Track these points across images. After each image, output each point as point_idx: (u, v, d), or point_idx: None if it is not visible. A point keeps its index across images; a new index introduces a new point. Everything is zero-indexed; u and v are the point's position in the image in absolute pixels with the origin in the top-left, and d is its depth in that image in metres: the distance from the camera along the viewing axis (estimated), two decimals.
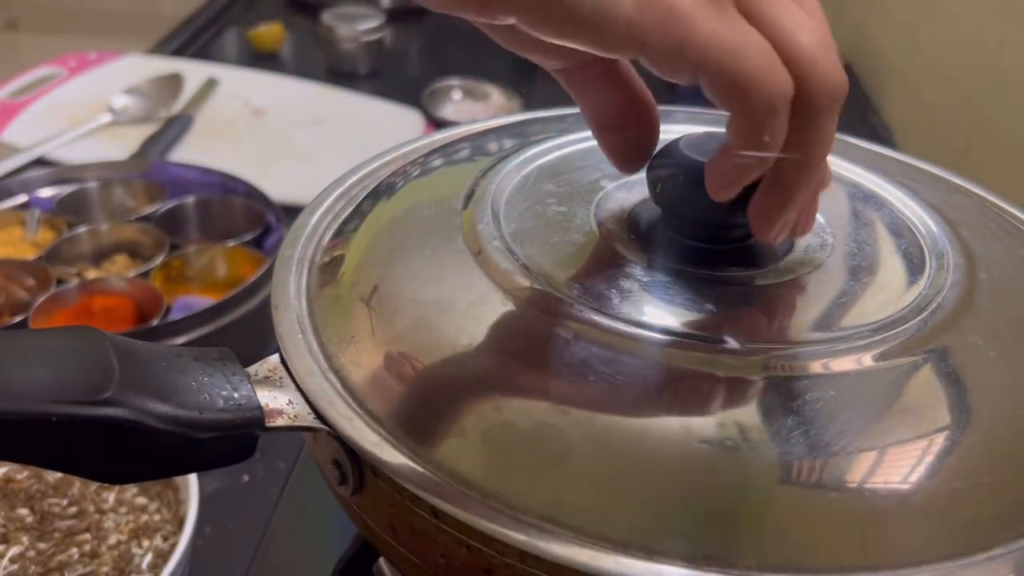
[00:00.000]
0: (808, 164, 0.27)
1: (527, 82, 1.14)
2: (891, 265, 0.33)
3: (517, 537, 0.26)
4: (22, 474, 0.50)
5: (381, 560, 0.45)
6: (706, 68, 0.25)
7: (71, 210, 0.74)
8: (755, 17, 0.25)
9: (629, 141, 0.32)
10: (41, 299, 0.62)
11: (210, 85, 1.05)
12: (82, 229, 0.72)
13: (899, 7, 1.14)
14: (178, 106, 1.00)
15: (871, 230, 0.35)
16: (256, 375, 0.31)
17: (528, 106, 1.09)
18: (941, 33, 1.01)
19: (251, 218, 0.75)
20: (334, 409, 0.29)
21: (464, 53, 1.25)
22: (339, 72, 1.16)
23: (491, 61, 1.20)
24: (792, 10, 0.26)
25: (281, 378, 0.31)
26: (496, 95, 1.10)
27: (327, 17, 1.15)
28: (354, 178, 0.42)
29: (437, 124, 1.01)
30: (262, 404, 0.29)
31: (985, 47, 0.87)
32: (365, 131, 0.99)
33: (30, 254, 0.69)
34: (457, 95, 1.11)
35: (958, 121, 0.90)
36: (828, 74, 0.25)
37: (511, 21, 0.25)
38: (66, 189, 0.76)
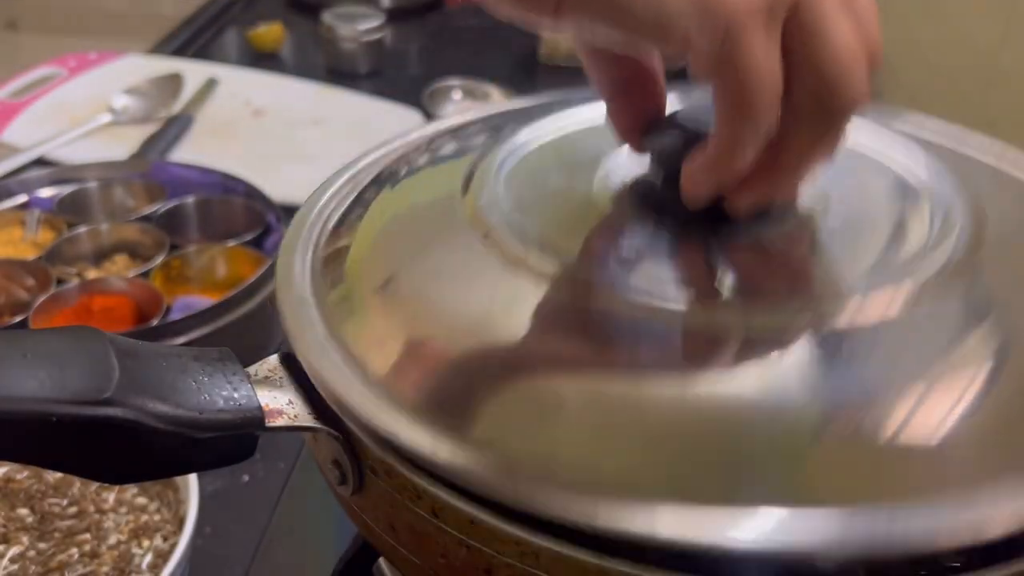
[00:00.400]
0: (808, 156, 0.29)
1: (527, 81, 1.13)
2: (898, 214, 0.34)
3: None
4: (22, 474, 0.50)
5: (381, 560, 0.45)
6: (723, 79, 0.27)
7: (71, 210, 0.74)
8: (799, 26, 0.26)
9: (636, 107, 0.33)
10: (41, 299, 0.62)
11: (210, 85, 1.05)
12: (82, 229, 0.72)
13: (899, 7, 1.14)
14: (178, 106, 1.00)
15: (876, 182, 0.35)
16: (256, 375, 0.31)
17: None
18: (940, 33, 1.01)
19: (251, 218, 0.75)
20: (345, 391, 0.29)
21: (464, 53, 1.25)
22: (339, 72, 1.16)
23: (491, 61, 1.20)
24: (838, 23, 0.27)
25: (281, 378, 0.31)
26: (496, 95, 1.10)
27: (327, 17, 1.15)
28: (355, 169, 0.42)
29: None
30: (262, 404, 0.29)
31: (984, 47, 0.87)
32: (365, 131, 0.99)
33: (30, 254, 0.69)
34: (457, 95, 1.11)
35: (957, 121, 0.90)
36: (844, 89, 0.27)
37: (576, 25, 0.27)
38: (66, 189, 0.76)
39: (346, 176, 0.41)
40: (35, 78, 1.04)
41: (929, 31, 1.02)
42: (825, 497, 0.25)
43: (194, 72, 1.06)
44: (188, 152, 0.92)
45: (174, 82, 1.03)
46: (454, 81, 1.11)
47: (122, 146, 0.91)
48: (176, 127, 0.95)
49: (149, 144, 0.91)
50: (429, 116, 1.02)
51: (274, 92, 1.06)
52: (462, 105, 1.10)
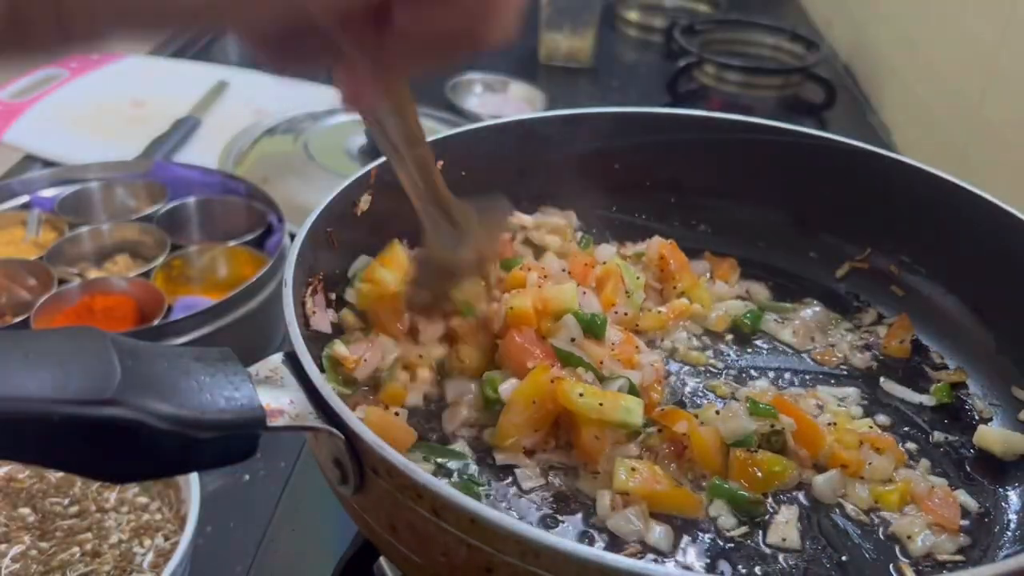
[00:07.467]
0: None
1: (528, 81, 1.14)
2: None
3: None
4: (24, 473, 0.50)
5: (382, 559, 0.45)
6: None
7: (73, 210, 0.74)
8: None
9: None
10: (43, 299, 0.63)
11: (219, 88, 1.05)
12: (83, 229, 0.72)
13: (898, 8, 1.14)
14: (186, 108, 1.00)
15: None
16: (257, 375, 0.31)
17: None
18: (939, 34, 1.01)
19: (252, 218, 0.75)
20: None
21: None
22: None
23: (493, 61, 1.20)
24: None
25: (283, 378, 0.31)
26: (515, 88, 1.13)
27: None
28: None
29: (462, 115, 1.03)
30: (263, 404, 0.29)
31: (983, 48, 0.87)
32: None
33: (32, 254, 0.69)
34: (479, 88, 1.13)
35: (956, 121, 0.90)
36: None
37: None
38: (68, 189, 0.76)
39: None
40: (37, 79, 1.04)
41: (928, 31, 1.02)
42: None
43: (200, 74, 1.07)
44: (190, 154, 0.92)
45: None
46: (475, 75, 1.13)
47: (130, 148, 0.91)
48: (183, 129, 0.95)
49: (156, 145, 0.91)
50: (453, 107, 1.05)
51: (276, 93, 1.06)
52: (484, 98, 1.12)
